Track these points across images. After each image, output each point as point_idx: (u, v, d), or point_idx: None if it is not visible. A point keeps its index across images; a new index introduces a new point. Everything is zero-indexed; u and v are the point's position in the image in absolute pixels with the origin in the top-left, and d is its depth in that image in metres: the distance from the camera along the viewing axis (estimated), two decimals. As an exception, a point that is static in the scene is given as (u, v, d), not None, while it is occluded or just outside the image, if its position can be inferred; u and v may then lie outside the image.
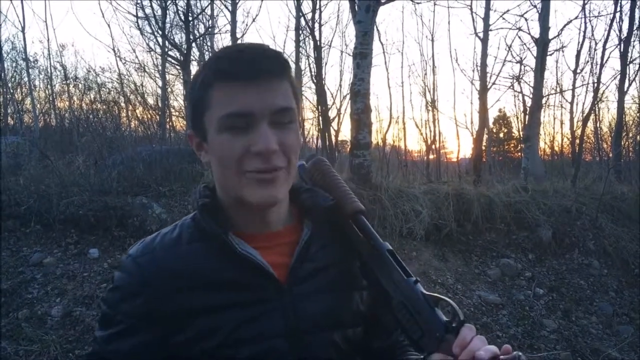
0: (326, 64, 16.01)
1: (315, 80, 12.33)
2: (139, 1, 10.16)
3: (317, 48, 12.11)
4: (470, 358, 0.79)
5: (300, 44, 13.31)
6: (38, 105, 13.58)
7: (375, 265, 0.99)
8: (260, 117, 0.88)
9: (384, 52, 16.43)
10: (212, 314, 0.93)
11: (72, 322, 3.91)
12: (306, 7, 12.25)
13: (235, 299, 0.94)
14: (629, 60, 12.75)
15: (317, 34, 12.40)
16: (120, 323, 0.95)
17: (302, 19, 12.35)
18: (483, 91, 11.13)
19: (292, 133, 0.93)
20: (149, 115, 12.60)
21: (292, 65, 13.67)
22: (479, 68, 12.30)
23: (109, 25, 21.02)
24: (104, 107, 12.03)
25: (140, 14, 10.36)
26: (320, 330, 0.98)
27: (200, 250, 0.97)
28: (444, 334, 0.85)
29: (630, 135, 17.77)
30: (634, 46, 13.78)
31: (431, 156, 16.83)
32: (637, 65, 15.01)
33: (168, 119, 13.48)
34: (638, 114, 17.76)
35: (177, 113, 15.11)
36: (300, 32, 12.88)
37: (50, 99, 13.22)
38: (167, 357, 0.95)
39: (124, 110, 12.30)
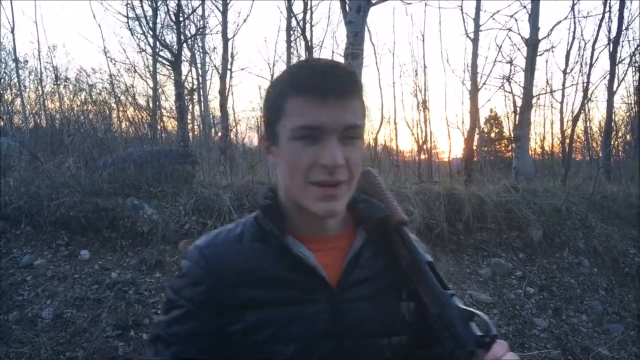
0: (317, 64, 15.90)
1: (306, 81, 12.31)
2: (129, 1, 10.13)
3: (309, 49, 12.12)
4: None
5: (292, 44, 13.32)
6: (28, 106, 13.51)
7: (415, 276, 1.02)
8: (330, 132, 0.93)
9: (375, 53, 16.52)
10: (264, 309, 0.99)
11: (63, 324, 3.89)
12: (297, 7, 12.25)
13: (287, 297, 0.99)
14: (617, 60, 12.86)
15: (308, 34, 12.42)
16: (182, 308, 1.01)
17: (293, 20, 12.35)
18: (474, 91, 11.18)
19: (357, 149, 0.97)
20: (140, 116, 12.56)
21: (283, 66, 13.65)
22: (469, 68, 12.34)
23: (99, 26, 20.90)
24: (95, 108, 11.97)
25: (131, 14, 10.32)
26: (366, 336, 1.01)
27: (260, 249, 1.03)
28: (475, 348, 0.86)
29: (620, 134, 17.90)
30: (622, 46, 13.88)
31: (423, 156, 16.89)
32: (626, 65, 15.14)
33: (159, 120, 13.44)
34: (627, 114, 17.90)
35: (168, 114, 15.06)
36: (292, 32, 12.88)
37: (41, 99, 13.16)
38: (222, 345, 1.00)
39: (115, 111, 12.25)
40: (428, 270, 0.99)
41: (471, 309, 0.91)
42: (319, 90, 0.92)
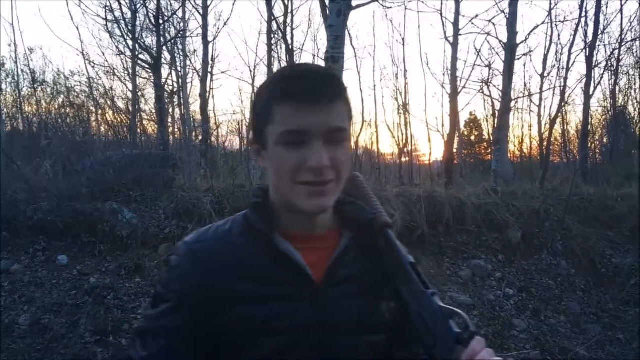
0: (298, 67, 15.95)
1: (287, 84, 12.30)
2: (108, 4, 10.03)
3: (289, 52, 12.13)
4: None
5: (273, 47, 13.29)
6: (5, 110, 13.30)
7: (397, 276, 1.05)
8: (315, 135, 0.97)
9: (355, 56, 16.45)
10: (250, 304, 1.01)
11: (41, 330, 3.84)
12: (278, 10, 12.24)
13: (273, 292, 1.02)
14: (594, 64, 13.05)
15: (289, 38, 12.43)
16: (170, 301, 1.03)
17: (273, 23, 12.34)
18: (453, 95, 11.28)
19: (343, 150, 1.01)
20: (119, 119, 12.45)
21: (264, 69, 13.64)
22: (449, 72, 12.47)
23: (77, 29, 20.61)
24: (73, 111, 11.85)
25: (110, 16, 10.22)
26: (347, 333, 1.04)
27: (248, 244, 1.06)
28: (454, 345, 0.90)
29: (597, 137, 18.19)
30: (598, 50, 14.10)
31: (404, 159, 16.97)
32: (602, 69, 15.40)
33: (139, 123, 13.35)
34: (603, 117, 18.20)
35: (148, 117, 14.97)
36: (272, 36, 12.86)
37: (18, 103, 12.98)
38: (207, 338, 1.02)
39: (94, 115, 12.14)
40: (411, 271, 1.02)
41: (451, 308, 0.95)
42: (303, 96, 0.96)
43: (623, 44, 14.74)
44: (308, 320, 1.01)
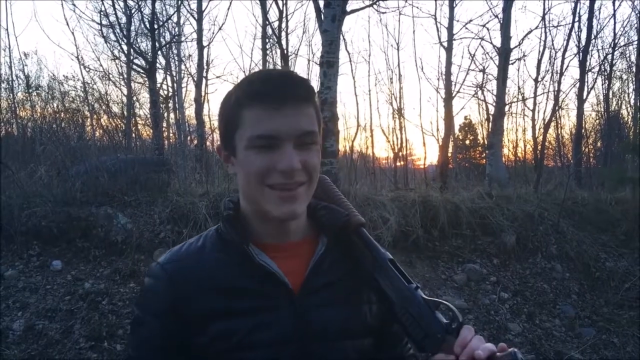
0: (293, 72, 16.00)
1: (282, 89, 12.31)
2: (103, 9, 10.02)
3: (284, 57, 12.14)
4: (470, 356, 0.85)
5: (268, 52, 13.32)
6: (-1, 114, 13.23)
7: (378, 275, 1.04)
8: (285, 139, 0.95)
9: (350, 61, 16.58)
10: (228, 318, 1.00)
11: (35, 336, 3.83)
12: (273, 15, 12.26)
13: (250, 305, 1.01)
14: (587, 68, 13.12)
15: (283, 42, 12.45)
16: (148, 324, 1.04)
17: (268, 28, 12.37)
18: (448, 99, 11.32)
19: (313, 153, 1.00)
20: (114, 124, 12.44)
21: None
22: (443, 76, 12.51)
23: (72, 33, 20.57)
24: (68, 116, 11.82)
25: (105, 21, 10.22)
26: (329, 340, 1.03)
27: (221, 259, 1.05)
28: (444, 335, 0.92)
29: (590, 141, 18.25)
30: (592, 55, 14.19)
31: (398, 163, 16.98)
32: (595, 74, 15.49)
33: (134, 128, 13.33)
34: (597, 121, 18.28)
35: (142, 122, 14.94)
36: (267, 40, 12.89)
37: (12, 108, 12.93)
38: (191, 357, 1.01)
39: (88, 119, 12.11)
40: (391, 267, 1.02)
41: (436, 299, 0.97)
42: (273, 99, 0.94)
43: (616, 48, 14.85)
44: (288, 331, 1.00)
